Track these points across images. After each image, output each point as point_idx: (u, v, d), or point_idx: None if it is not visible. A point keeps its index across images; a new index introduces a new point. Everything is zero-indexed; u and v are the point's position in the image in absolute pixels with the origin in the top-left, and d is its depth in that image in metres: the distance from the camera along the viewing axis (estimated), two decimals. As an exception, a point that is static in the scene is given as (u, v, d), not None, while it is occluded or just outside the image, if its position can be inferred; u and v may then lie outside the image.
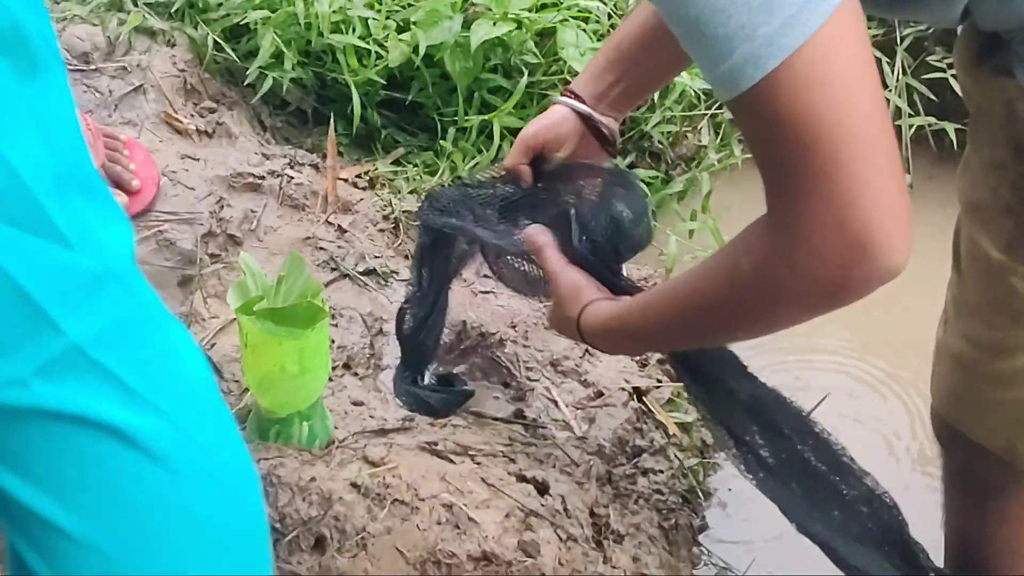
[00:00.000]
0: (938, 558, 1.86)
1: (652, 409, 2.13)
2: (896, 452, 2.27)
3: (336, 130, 2.47)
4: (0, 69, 0.79)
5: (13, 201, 0.80)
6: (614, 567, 1.81)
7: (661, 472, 2.03)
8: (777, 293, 1.30)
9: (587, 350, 2.18)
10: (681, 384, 1.89)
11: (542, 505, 1.81)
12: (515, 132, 2.45)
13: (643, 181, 2.45)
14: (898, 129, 2.73)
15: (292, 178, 2.30)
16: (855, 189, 1.17)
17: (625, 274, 1.82)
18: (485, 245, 1.94)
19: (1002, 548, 1.75)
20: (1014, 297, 1.47)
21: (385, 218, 2.37)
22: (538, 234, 1.76)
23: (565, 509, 1.83)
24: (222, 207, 2.19)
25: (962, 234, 1.56)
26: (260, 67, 2.41)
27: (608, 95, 1.81)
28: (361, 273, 2.24)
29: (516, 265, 1.96)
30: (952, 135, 2.74)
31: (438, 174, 2.49)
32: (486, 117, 2.50)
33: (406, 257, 2.34)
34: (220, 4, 2.45)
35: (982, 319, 1.54)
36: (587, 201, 1.79)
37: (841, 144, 1.17)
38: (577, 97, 1.82)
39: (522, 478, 1.86)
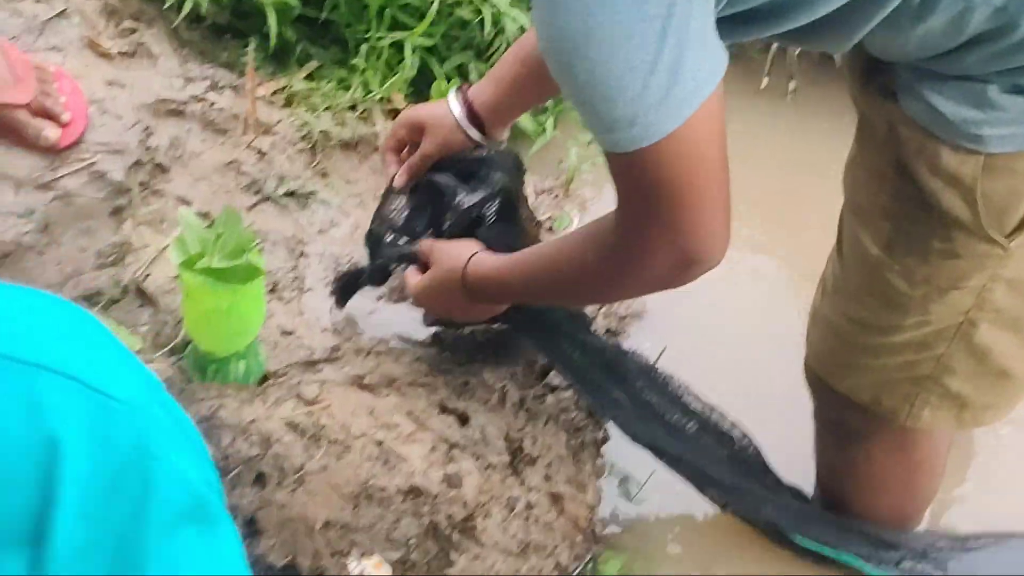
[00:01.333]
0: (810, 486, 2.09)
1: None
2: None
3: (251, 45, 2.50)
4: (188, 535, 0.86)
5: None
6: (529, 488, 1.96)
7: (568, 388, 2.16)
8: (614, 280, 1.61)
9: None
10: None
11: (463, 436, 1.94)
12: (427, 50, 2.53)
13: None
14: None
15: (213, 103, 2.34)
16: (690, 227, 1.45)
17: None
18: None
19: (865, 482, 1.96)
20: (888, 287, 1.64)
21: (303, 138, 2.42)
22: (423, 243, 1.99)
23: (484, 438, 1.96)
24: (149, 135, 2.23)
25: (844, 225, 1.72)
26: (180, -11, 2.43)
27: (505, 113, 2.02)
28: (282, 196, 2.31)
29: None
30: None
31: (351, 90, 2.54)
32: (398, 37, 2.54)
33: (323, 175, 2.41)
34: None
35: (858, 301, 1.72)
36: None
37: (686, 197, 1.42)
38: (472, 111, 1.99)
39: (444, 409, 1.99)
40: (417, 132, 2.03)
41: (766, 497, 2.00)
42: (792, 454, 2.07)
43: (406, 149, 2.08)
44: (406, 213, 2.06)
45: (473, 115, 1.99)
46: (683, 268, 1.50)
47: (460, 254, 1.89)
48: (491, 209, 2.01)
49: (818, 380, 1.90)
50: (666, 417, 1.98)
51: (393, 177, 2.06)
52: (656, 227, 1.46)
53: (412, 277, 1.98)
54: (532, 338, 2.07)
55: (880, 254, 1.65)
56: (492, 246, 1.91)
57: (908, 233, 1.61)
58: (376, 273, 2.10)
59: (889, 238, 1.63)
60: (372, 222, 2.10)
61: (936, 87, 1.49)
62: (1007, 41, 1.40)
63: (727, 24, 1.40)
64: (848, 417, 1.87)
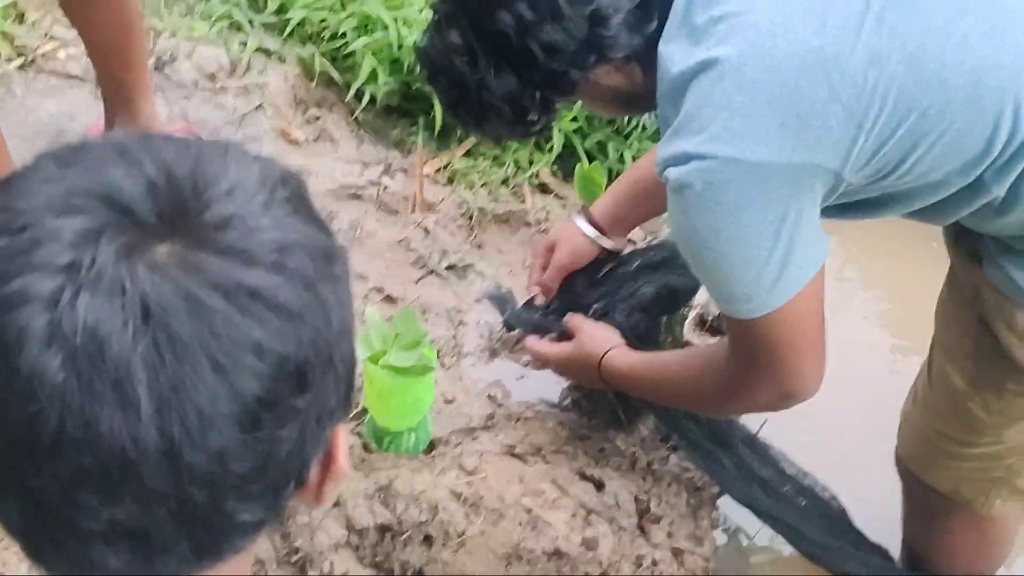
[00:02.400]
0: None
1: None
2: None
3: (419, 124, 2.81)
4: None
5: None
6: (654, 545, 2.25)
7: (688, 451, 2.43)
8: (723, 405, 2.01)
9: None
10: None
11: (599, 501, 2.23)
12: (572, 131, 2.80)
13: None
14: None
15: (387, 187, 2.65)
16: (788, 375, 1.76)
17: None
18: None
19: (945, 551, 2.25)
20: (969, 414, 1.93)
21: (463, 215, 2.72)
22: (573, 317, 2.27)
23: (617, 503, 2.25)
24: (332, 219, 2.55)
25: (934, 353, 1.99)
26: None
27: (623, 221, 2.31)
28: (444, 269, 2.62)
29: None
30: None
31: (504, 167, 2.83)
32: (548, 121, 2.83)
33: (479, 247, 2.71)
34: (323, 23, 2.75)
35: (943, 419, 2.00)
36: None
37: (786, 354, 1.74)
38: (593, 222, 2.29)
39: (583, 476, 2.28)
40: (551, 250, 2.33)
41: (851, 553, 2.28)
42: (877, 516, 2.35)
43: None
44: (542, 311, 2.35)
45: (594, 224, 2.28)
46: (780, 402, 1.83)
47: (600, 344, 2.18)
48: (636, 297, 2.31)
49: (907, 469, 2.17)
50: (766, 479, 2.28)
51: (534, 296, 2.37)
52: (760, 373, 1.78)
53: (549, 346, 2.28)
54: (654, 411, 2.37)
55: (964, 387, 1.92)
56: (627, 335, 2.21)
57: (987, 373, 1.87)
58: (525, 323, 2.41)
59: (972, 376, 1.90)
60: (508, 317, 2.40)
61: (1015, 261, 1.74)
62: None
63: (835, 210, 1.68)
64: (931, 500, 2.15)
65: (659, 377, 2.09)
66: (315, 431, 0.77)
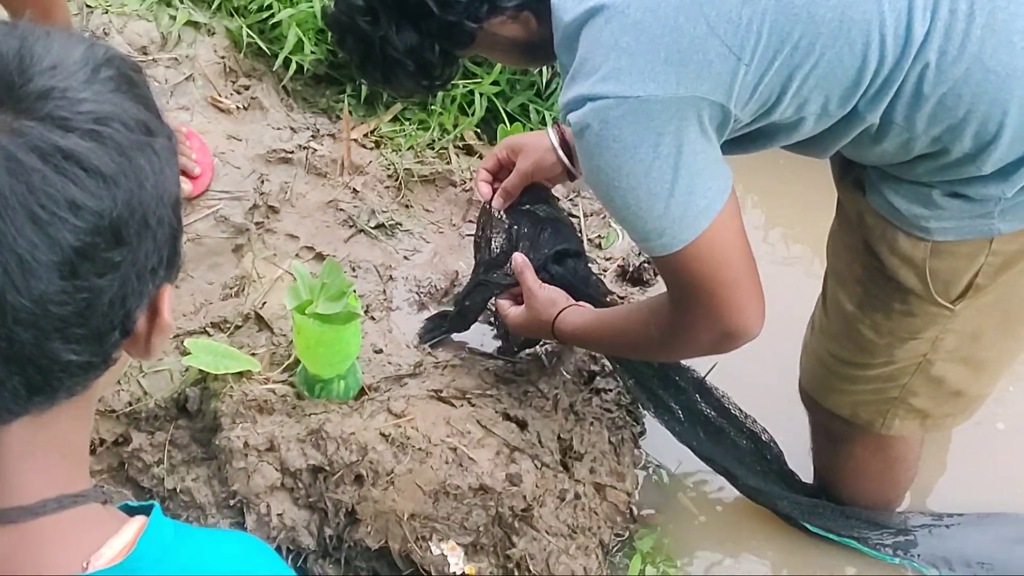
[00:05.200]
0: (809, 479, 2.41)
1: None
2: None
3: (346, 91, 2.85)
4: None
5: None
6: (576, 480, 2.29)
7: (610, 391, 2.47)
8: (672, 350, 2.04)
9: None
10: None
11: (522, 440, 2.27)
12: (494, 94, 2.83)
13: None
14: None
15: (316, 150, 2.68)
16: (724, 312, 1.79)
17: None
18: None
19: (852, 475, 2.33)
20: (860, 336, 1.97)
21: (389, 176, 2.76)
22: (521, 261, 2.24)
23: (540, 441, 2.29)
24: (263, 182, 2.58)
25: (828, 282, 2.04)
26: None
27: None
28: (373, 227, 2.65)
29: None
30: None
31: (429, 130, 2.86)
32: (471, 85, 2.87)
33: (406, 207, 2.74)
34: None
35: (838, 343, 2.05)
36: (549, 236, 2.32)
37: (716, 289, 1.77)
38: (560, 132, 2.26)
39: (507, 416, 2.31)
40: (515, 153, 2.29)
41: (783, 495, 2.33)
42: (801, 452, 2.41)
43: (499, 173, 2.35)
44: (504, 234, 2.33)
45: (565, 143, 2.26)
46: (725, 342, 1.86)
47: (551, 308, 2.20)
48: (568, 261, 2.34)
49: (809, 397, 2.23)
50: (712, 421, 2.33)
51: (490, 200, 2.32)
52: (697, 313, 1.81)
53: (507, 306, 2.29)
54: (611, 359, 2.42)
55: (854, 310, 1.97)
56: (571, 285, 2.26)
57: (875, 296, 1.92)
58: (458, 321, 2.46)
59: (860, 299, 1.95)
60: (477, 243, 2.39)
61: (894, 187, 1.79)
62: (944, 160, 1.71)
63: (729, 145, 1.73)
64: (833, 426, 2.20)
65: (609, 332, 2.12)
66: (136, 286, 0.82)
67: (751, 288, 1.79)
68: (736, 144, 1.77)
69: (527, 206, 2.33)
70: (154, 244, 0.82)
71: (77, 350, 0.80)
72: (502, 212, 2.31)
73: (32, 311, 0.76)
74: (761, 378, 2.50)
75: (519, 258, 2.25)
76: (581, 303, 2.21)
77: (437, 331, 2.49)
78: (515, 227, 2.30)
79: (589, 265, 2.45)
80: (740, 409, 2.32)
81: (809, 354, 2.18)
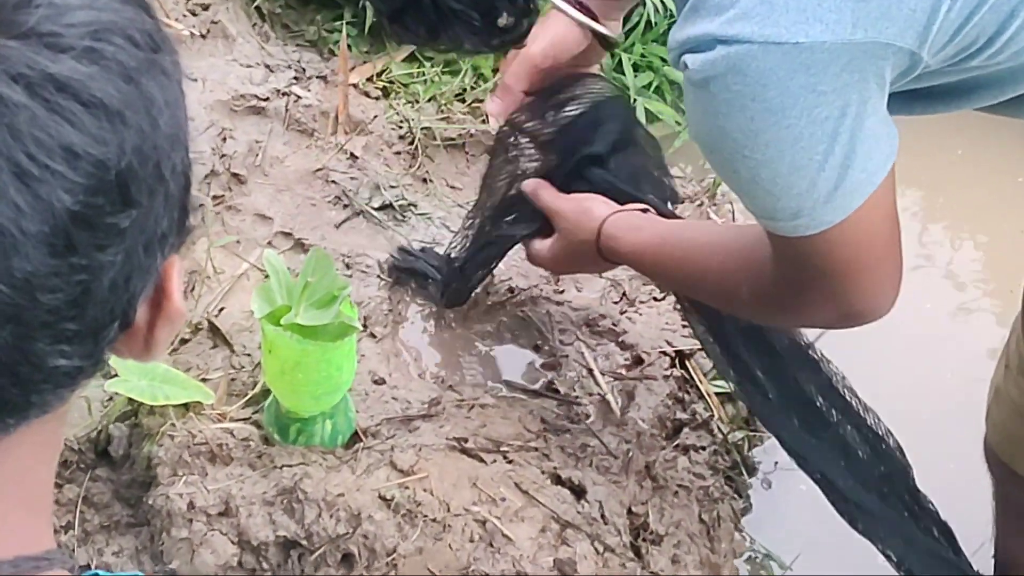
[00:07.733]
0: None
1: (695, 378, 2.52)
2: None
3: (343, 17, 2.79)
4: None
5: None
6: (652, 573, 2.22)
7: (703, 449, 2.42)
8: (765, 318, 2.04)
9: (624, 309, 2.55)
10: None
11: (578, 513, 2.20)
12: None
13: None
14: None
15: (299, 97, 2.62)
16: (855, 297, 1.74)
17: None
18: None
19: None
20: None
21: (401, 138, 2.70)
22: (532, 184, 2.22)
23: (602, 515, 2.22)
24: (224, 139, 2.52)
25: None
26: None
27: None
28: (376, 209, 2.59)
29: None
30: None
31: (460, 75, 2.80)
32: (517, 11, 2.80)
33: (424, 182, 2.68)
34: None
35: None
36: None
37: (850, 276, 1.71)
38: (580, 4, 2.14)
39: (557, 479, 2.25)
40: (544, 73, 2.20)
41: (901, 528, 2.22)
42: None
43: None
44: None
45: (583, 7, 2.15)
46: (843, 321, 1.81)
47: (587, 221, 2.14)
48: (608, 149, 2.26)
49: (998, 459, 2.16)
50: (813, 405, 2.23)
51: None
52: (815, 295, 1.75)
53: (538, 246, 2.25)
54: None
55: None
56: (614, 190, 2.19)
57: None
58: (454, 295, 2.44)
59: None
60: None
61: None
62: None
63: (901, 101, 1.64)
64: (1024, 499, 2.13)
65: (679, 264, 2.06)
66: (143, 260, 0.80)
67: (891, 269, 1.74)
68: (911, 100, 1.70)
69: (550, 113, 2.25)
70: (165, 202, 0.80)
71: (67, 352, 0.78)
72: (508, 127, 2.27)
73: (13, 301, 0.73)
74: (892, 402, 2.40)
75: (529, 184, 2.23)
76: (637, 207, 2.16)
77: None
78: (529, 143, 2.26)
79: (655, 158, 2.36)
80: (857, 396, 2.22)
81: (1003, 403, 2.10)
